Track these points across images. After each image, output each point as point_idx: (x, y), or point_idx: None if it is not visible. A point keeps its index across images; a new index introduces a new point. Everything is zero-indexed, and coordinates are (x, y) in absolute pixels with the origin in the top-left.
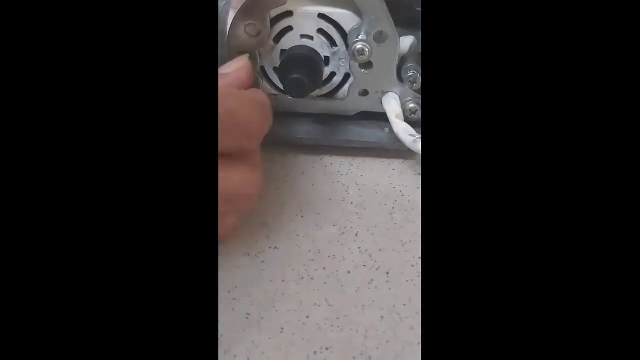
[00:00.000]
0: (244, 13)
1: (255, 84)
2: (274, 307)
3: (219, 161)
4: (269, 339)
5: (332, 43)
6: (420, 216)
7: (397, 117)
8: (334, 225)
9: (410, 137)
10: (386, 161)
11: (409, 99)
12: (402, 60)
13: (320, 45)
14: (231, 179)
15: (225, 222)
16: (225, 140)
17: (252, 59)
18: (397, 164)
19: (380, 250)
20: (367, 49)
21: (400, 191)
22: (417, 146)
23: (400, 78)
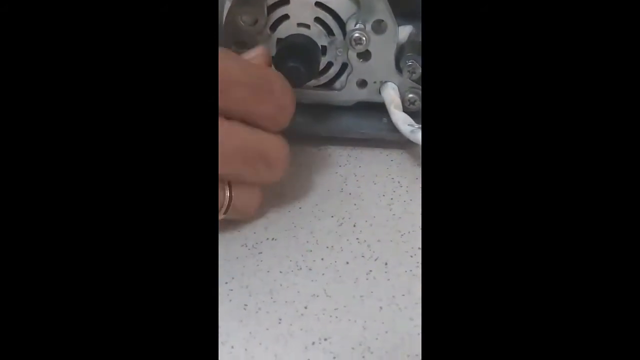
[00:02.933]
0: (240, 1)
1: None
2: (271, 298)
3: (250, 126)
4: (267, 329)
5: (329, 32)
6: (419, 207)
7: (395, 107)
8: (332, 216)
9: (409, 127)
10: (384, 152)
11: (408, 89)
12: (401, 50)
13: (317, 34)
14: (266, 140)
15: (256, 192)
16: (259, 107)
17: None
18: (395, 155)
19: (379, 241)
20: (364, 38)
21: (399, 182)
22: (416, 136)
23: (398, 68)
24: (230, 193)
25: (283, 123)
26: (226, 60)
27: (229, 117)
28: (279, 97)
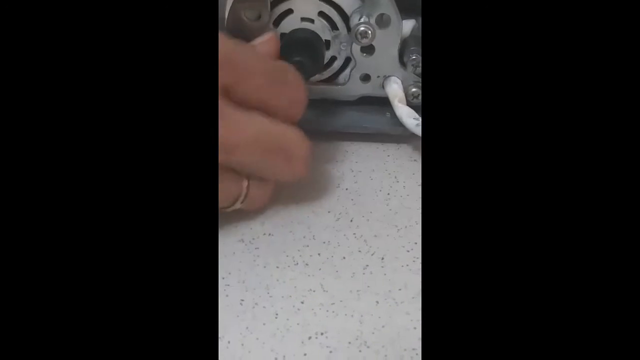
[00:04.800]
0: None
1: None
2: (268, 293)
3: (268, 116)
4: (263, 324)
5: (333, 26)
6: (416, 202)
7: (399, 101)
8: (329, 212)
9: (414, 120)
10: (381, 147)
11: (411, 82)
12: (404, 43)
13: (321, 29)
14: (287, 134)
15: (270, 186)
16: (274, 97)
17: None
18: (392, 150)
19: (376, 236)
20: (370, 32)
21: (396, 177)
22: (420, 130)
23: (402, 62)
24: (248, 184)
25: (297, 114)
26: (242, 50)
27: (246, 106)
28: (293, 88)
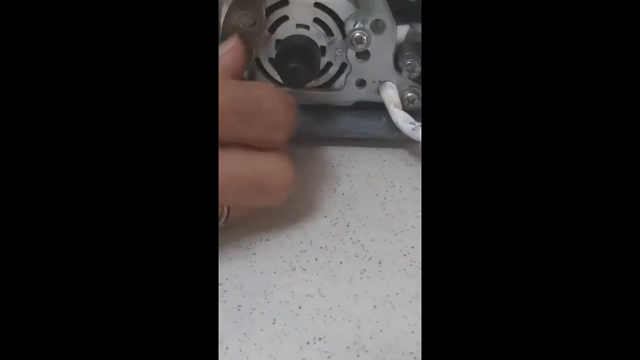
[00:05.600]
0: (238, 3)
1: (250, 76)
2: (265, 298)
3: (246, 151)
4: (261, 330)
5: (329, 32)
6: (412, 206)
7: (395, 106)
8: (325, 217)
9: (410, 125)
10: (377, 152)
11: (407, 87)
12: (399, 48)
13: (316, 35)
14: (262, 169)
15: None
16: (250, 130)
17: (245, 42)
18: (387, 155)
19: (372, 240)
20: (365, 37)
21: (392, 182)
22: (417, 134)
23: (397, 67)
24: (229, 210)
25: (279, 141)
26: None
27: (223, 144)
28: (270, 116)
